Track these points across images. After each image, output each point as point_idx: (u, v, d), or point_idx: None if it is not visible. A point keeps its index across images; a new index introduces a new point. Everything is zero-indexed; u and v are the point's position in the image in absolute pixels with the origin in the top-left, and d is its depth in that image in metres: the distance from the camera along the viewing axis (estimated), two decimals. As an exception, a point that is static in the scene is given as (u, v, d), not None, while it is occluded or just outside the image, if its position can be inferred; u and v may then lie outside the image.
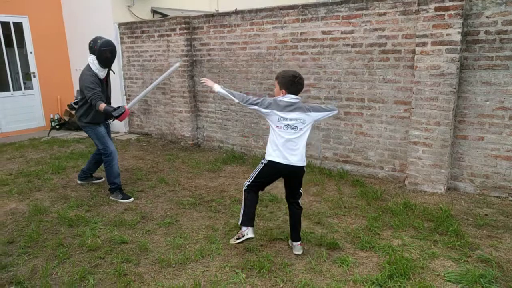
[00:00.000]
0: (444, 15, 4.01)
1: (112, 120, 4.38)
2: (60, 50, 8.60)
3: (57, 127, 8.39)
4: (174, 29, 6.59)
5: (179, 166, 5.65)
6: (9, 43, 7.88)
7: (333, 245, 3.26)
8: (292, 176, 3.12)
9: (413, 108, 4.40)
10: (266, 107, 3.04)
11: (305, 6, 5.11)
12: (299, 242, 3.20)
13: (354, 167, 5.10)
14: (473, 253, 3.10)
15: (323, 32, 5.02)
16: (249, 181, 3.16)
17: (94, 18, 7.87)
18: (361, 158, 5.02)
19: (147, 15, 8.30)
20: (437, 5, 4.03)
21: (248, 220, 3.13)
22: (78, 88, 4.59)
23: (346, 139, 5.12)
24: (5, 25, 7.75)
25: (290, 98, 3.00)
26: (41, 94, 8.42)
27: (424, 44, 4.18)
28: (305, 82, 5.21)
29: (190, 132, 6.80)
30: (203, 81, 3.37)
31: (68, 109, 8.41)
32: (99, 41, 4.22)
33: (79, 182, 4.96)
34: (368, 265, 2.99)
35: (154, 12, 8.44)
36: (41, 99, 8.43)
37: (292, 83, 2.99)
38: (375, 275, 2.82)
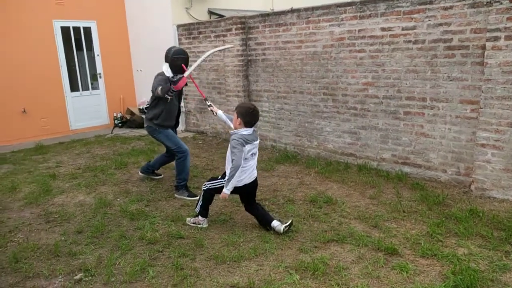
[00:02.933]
0: (520, 6, 3.68)
1: (170, 90, 4.26)
2: (124, 52, 9.11)
3: (120, 125, 8.91)
4: (230, 29, 6.70)
5: (233, 165, 5.73)
6: (79, 47, 8.49)
7: (391, 250, 3.12)
8: (254, 187, 3.62)
9: (481, 108, 4.09)
10: (244, 145, 3.34)
11: (364, 2, 4.95)
12: (274, 220, 3.53)
13: (414, 170, 4.86)
14: (552, 268, 2.81)
15: (383, 29, 4.83)
16: (211, 186, 3.60)
17: (155, 21, 8.23)
18: (422, 160, 4.77)
19: (204, 16, 8.53)
20: (512, -5, 3.71)
21: (206, 213, 3.73)
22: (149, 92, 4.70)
23: (405, 140, 4.88)
24: (76, 30, 8.36)
25: (249, 131, 3.39)
26: (106, 94, 8.98)
27: (496, 38, 3.87)
28: (363, 80, 5.13)
29: (244, 131, 6.87)
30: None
31: (133, 108, 8.90)
32: (172, 49, 4.43)
33: (139, 173, 5.20)
34: (430, 274, 2.83)
35: (210, 13, 8.65)
36: (106, 98, 9.00)
37: (248, 113, 3.36)
38: (438, 285, 2.66)
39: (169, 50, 4.46)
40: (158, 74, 4.46)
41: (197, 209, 3.73)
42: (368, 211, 3.94)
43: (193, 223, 3.77)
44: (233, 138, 3.36)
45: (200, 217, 3.73)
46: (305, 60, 5.79)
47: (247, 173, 3.46)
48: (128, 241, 3.50)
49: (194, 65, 4.39)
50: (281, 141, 6.43)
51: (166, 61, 4.41)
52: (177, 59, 4.36)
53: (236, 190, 3.51)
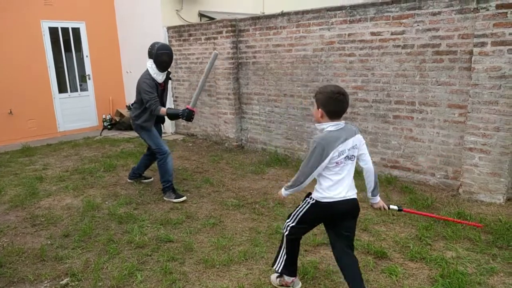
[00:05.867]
0: (506, 13, 3.74)
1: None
2: (113, 54, 9.03)
3: (109, 126, 8.81)
4: (220, 32, 6.69)
5: (223, 167, 5.72)
6: (67, 48, 8.39)
7: (380, 253, 3.14)
8: (350, 213, 2.50)
9: (469, 112, 4.14)
10: (324, 149, 2.33)
11: (354, 7, 4.98)
12: None
13: (403, 173, 4.89)
14: (538, 271, 2.85)
15: (372, 33, 4.87)
16: (291, 222, 2.58)
17: (145, 23, 8.17)
18: (411, 163, 4.81)
19: (194, 19, 8.50)
20: (499, 2, 3.77)
21: (294, 270, 2.72)
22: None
23: (394, 144, 4.92)
24: (65, 30, 8.26)
25: (337, 125, 2.37)
26: (94, 95, 8.88)
27: (483, 44, 3.93)
28: (353, 84, 5.17)
29: (234, 133, 6.87)
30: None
31: (122, 110, 8.81)
32: (156, 45, 4.40)
33: (128, 180, 5.15)
34: (419, 277, 2.84)
35: (201, 15, 8.63)
36: (94, 100, 8.90)
37: (331, 100, 2.33)
38: (426, 288, 2.68)
39: (152, 46, 4.43)
40: (144, 74, 4.42)
41: (279, 265, 2.68)
42: (357, 214, 3.95)
43: (280, 286, 2.76)
44: (314, 137, 2.44)
45: (285, 277, 2.72)
46: (295, 63, 5.80)
47: (334, 189, 2.40)
48: (116, 245, 3.46)
49: (195, 94, 4.49)
50: (272, 144, 6.43)
51: (150, 57, 4.40)
52: (162, 55, 4.36)
53: (316, 212, 2.47)
